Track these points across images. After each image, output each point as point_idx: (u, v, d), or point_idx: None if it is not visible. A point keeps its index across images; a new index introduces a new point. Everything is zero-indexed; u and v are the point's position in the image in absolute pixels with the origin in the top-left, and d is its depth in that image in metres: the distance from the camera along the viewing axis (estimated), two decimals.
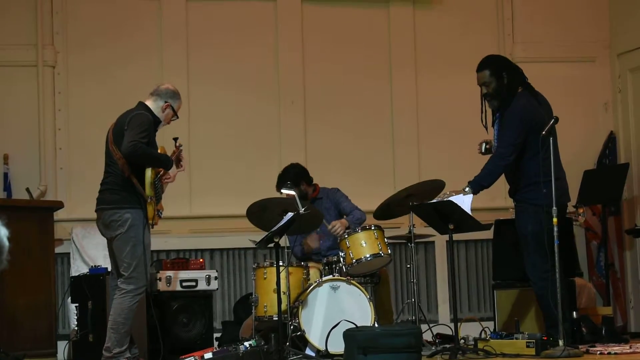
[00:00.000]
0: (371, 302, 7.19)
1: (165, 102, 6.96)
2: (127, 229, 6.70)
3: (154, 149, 6.80)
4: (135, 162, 6.66)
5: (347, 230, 7.70)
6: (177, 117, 7.09)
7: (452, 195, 7.05)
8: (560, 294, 6.58)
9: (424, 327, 7.44)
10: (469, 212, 6.94)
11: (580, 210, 8.49)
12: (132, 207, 6.71)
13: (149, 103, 6.96)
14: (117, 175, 6.75)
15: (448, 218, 7.01)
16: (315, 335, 7.07)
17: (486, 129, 7.29)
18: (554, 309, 6.66)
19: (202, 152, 9.50)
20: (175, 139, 7.08)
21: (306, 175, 8.23)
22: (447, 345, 7.11)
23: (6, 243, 2.60)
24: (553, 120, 6.69)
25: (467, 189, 7.04)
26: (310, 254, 8.15)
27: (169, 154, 6.97)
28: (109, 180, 6.84)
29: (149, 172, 6.67)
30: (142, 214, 6.72)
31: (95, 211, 6.89)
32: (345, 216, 8.17)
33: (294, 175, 8.10)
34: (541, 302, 7.06)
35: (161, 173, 6.78)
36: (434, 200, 7.18)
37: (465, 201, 6.99)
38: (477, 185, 7.06)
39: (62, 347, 8.38)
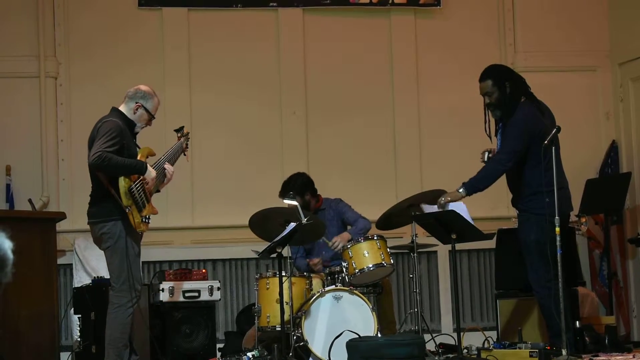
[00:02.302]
0: (374, 312, 7.18)
1: (136, 102, 6.82)
2: (116, 240, 6.59)
3: (131, 153, 6.65)
4: (104, 173, 6.53)
5: (349, 241, 7.71)
6: (154, 117, 6.93)
7: (448, 200, 7.06)
8: (563, 303, 6.58)
9: (426, 336, 7.42)
10: (470, 220, 6.96)
11: (583, 220, 8.48)
12: (119, 218, 6.58)
13: (121, 107, 6.84)
14: (100, 187, 6.64)
15: (450, 228, 7.01)
16: (318, 345, 7.06)
17: (490, 138, 7.30)
18: (556, 318, 6.66)
19: (204, 162, 9.50)
20: (178, 130, 7.08)
21: (312, 186, 8.21)
22: (450, 355, 7.11)
23: (10, 255, 2.60)
24: (555, 129, 6.70)
25: (461, 190, 7.04)
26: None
27: (170, 146, 6.95)
28: (93, 193, 6.74)
29: (121, 182, 6.49)
30: (129, 224, 6.58)
31: (87, 224, 6.82)
32: (349, 226, 8.17)
33: (299, 185, 8.08)
34: (544, 311, 7.05)
35: (139, 179, 6.61)
36: (434, 209, 7.17)
37: (462, 208, 7.01)
38: (472, 188, 7.06)
39: (65, 358, 8.37)
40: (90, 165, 6.51)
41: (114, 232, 6.59)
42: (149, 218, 6.73)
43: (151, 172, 6.70)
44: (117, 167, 6.49)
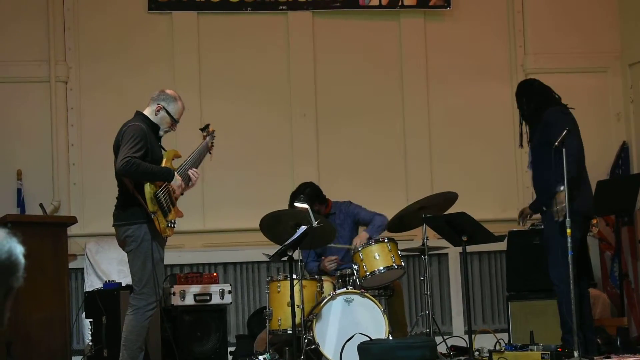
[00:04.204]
0: (385, 315, 7.17)
1: (158, 104, 6.79)
2: (139, 244, 6.60)
3: (155, 157, 6.66)
4: (131, 178, 6.54)
5: (369, 239, 7.71)
6: (177, 121, 6.89)
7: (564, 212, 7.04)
8: (574, 303, 6.58)
9: (438, 339, 7.43)
10: None
11: (594, 221, 8.47)
12: (144, 221, 6.59)
13: (145, 111, 6.82)
14: (127, 191, 6.64)
15: (461, 230, 7.01)
16: (329, 348, 7.05)
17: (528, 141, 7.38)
18: (571, 317, 6.66)
19: (214, 166, 9.48)
20: (204, 129, 7.12)
21: (319, 195, 8.15)
22: (462, 358, 7.12)
23: (22, 260, 2.60)
24: (565, 132, 6.70)
25: (562, 188, 6.97)
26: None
27: (197, 145, 6.96)
28: (119, 196, 6.75)
29: (147, 188, 6.51)
30: (155, 228, 6.62)
31: (113, 227, 6.84)
32: (366, 227, 8.12)
33: (306, 197, 7.99)
34: (561, 308, 7.04)
35: (164, 185, 6.63)
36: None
37: None
38: (571, 181, 6.93)
39: None
40: (118, 171, 6.51)
41: (138, 235, 6.61)
42: (174, 222, 6.75)
43: (177, 180, 6.71)
44: (145, 174, 6.51)
